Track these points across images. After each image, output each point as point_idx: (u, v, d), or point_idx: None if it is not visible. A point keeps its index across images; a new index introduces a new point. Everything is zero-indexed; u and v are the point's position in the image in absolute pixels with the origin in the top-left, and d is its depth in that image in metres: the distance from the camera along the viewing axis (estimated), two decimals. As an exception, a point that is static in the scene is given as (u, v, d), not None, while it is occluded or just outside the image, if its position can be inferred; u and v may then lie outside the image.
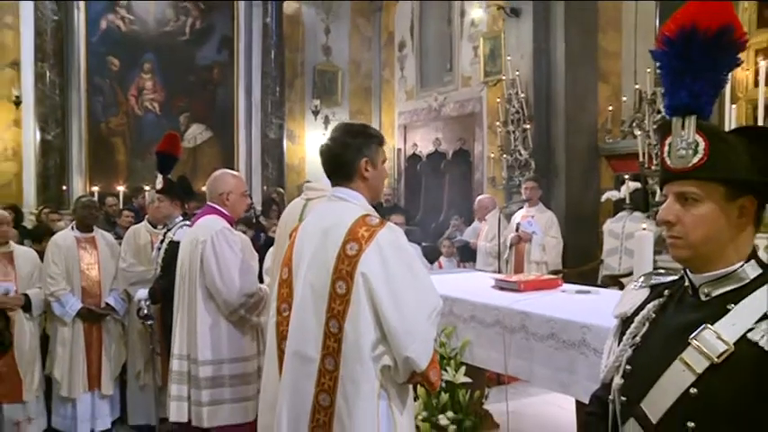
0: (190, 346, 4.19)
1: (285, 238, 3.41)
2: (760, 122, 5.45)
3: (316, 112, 14.75)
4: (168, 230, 5.60)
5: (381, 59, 15.46)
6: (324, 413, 2.58)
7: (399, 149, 14.62)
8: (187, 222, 5.68)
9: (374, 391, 2.55)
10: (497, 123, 10.35)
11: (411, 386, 2.74)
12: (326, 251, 2.63)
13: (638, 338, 1.78)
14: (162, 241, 5.60)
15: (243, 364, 4.20)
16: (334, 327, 2.56)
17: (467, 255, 8.99)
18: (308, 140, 14.82)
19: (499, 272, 7.60)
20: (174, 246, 5.46)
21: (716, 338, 1.58)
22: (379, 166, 2.83)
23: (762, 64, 5.80)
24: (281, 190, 12.64)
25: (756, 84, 5.33)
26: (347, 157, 2.77)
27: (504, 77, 10.52)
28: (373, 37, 15.55)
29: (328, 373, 2.57)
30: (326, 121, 14.84)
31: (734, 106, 5.99)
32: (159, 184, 5.62)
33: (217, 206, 4.34)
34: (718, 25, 1.63)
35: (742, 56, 1.75)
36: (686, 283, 1.75)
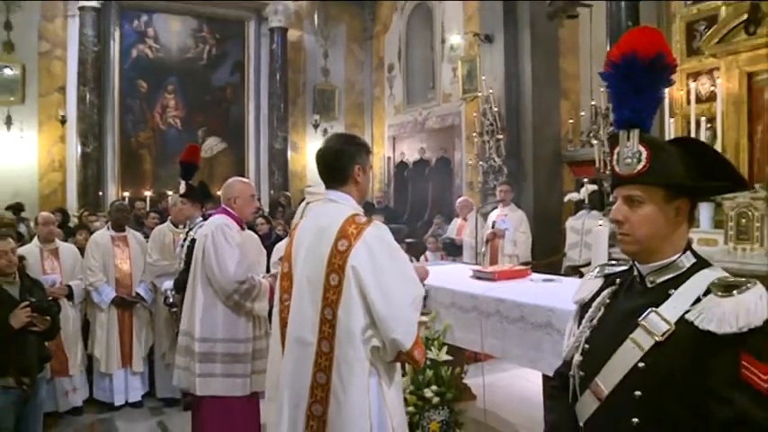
0: (190, 324, 4.17)
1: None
2: (693, 134, 5.51)
3: (316, 126, 14.76)
4: (190, 230, 5.60)
5: (373, 80, 15.47)
6: (321, 390, 2.56)
7: (389, 158, 14.62)
8: (206, 222, 5.70)
9: (365, 369, 2.53)
10: (474, 134, 10.37)
11: (398, 364, 2.72)
12: (321, 247, 2.60)
13: (594, 321, 1.81)
14: (185, 239, 5.61)
15: (235, 345, 4.11)
16: (328, 314, 2.55)
17: (452, 251, 8.95)
18: (310, 150, 14.77)
19: (477, 264, 7.62)
20: (195, 243, 5.49)
21: (660, 320, 1.61)
22: (367, 172, 2.81)
23: (692, 85, 5.88)
24: (288, 194, 12.63)
25: (689, 102, 5.41)
26: (342, 164, 2.74)
27: (479, 95, 10.54)
28: (366, 60, 15.56)
29: (324, 354, 2.56)
30: (325, 133, 14.76)
31: (672, 120, 6.05)
32: (182, 189, 5.61)
33: (227, 208, 4.34)
34: (655, 52, 1.67)
35: (675, 77, 1.79)
36: (635, 273, 1.77)
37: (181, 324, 4.40)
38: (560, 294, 3.74)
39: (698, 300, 1.60)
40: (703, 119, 5.53)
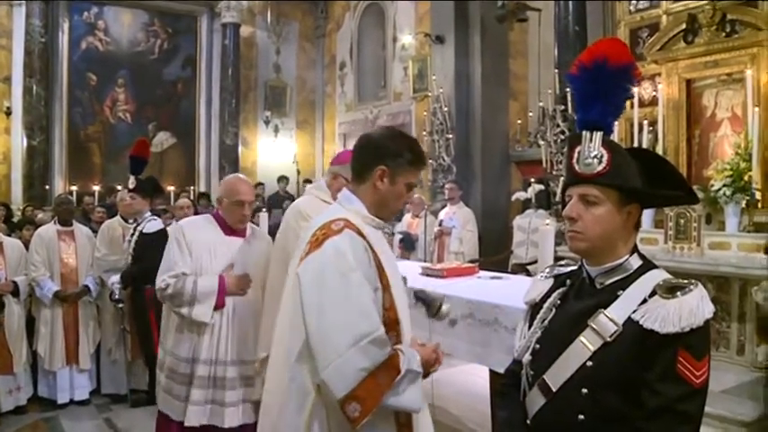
0: None
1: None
2: (635, 136, 5.64)
3: (267, 122, 14.65)
4: (138, 224, 5.50)
5: (324, 77, 15.39)
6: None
7: (340, 155, 14.56)
8: (155, 217, 5.59)
9: (301, 405, 2.06)
10: (424, 133, 10.39)
11: None
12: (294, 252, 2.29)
13: (546, 322, 1.82)
14: (132, 234, 5.50)
15: (176, 361, 3.58)
16: None
17: (409, 245, 8.83)
18: (260, 146, 14.74)
19: (425, 260, 7.63)
20: (143, 237, 5.37)
21: (608, 321, 1.64)
22: (398, 185, 2.23)
23: (635, 90, 6.01)
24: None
25: (632, 106, 5.54)
26: (363, 159, 2.26)
27: (430, 94, 10.58)
28: (317, 58, 15.47)
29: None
30: (276, 129, 14.76)
31: (616, 124, 6.17)
32: (132, 183, 5.53)
33: (217, 209, 3.81)
34: (625, 62, 1.71)
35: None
36: (584, 275, 1.79)
37: None
38: (507, 292, 3.76)
39: (644, 301, 1.63)
40: (645, 122, 5.64)
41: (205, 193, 11.99)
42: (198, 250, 3.62)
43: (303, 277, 2.07)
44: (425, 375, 2.15)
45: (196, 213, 6.70)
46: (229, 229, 3.70)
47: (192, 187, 13.09)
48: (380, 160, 2.20)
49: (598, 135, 1.71)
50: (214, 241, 3.67)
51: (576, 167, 1.72)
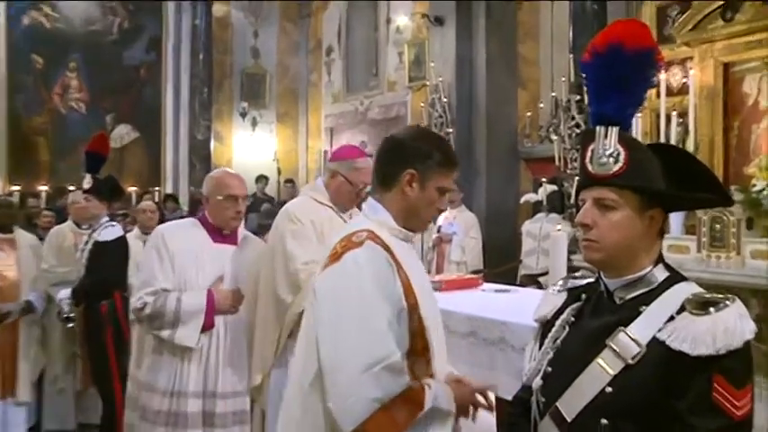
0: None
1: None
2: (662, 129, 5.60)
3: (243, 114, 14.63)
4: (94, 231, 5.45)
5: (309, 63, 15.40)
6: None
7: (326, 151, 14.53)
8: (113, 223, 5.54)
9: None
10: (421, 127, 10.39)
11: None
12: None
13: (558, 342, 1.81)
14: (87, 242, 5.45)
15: (150, 395, 3.44)
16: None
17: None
18: (236, 142, 14.74)
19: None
20: (99, 246, 5.32)
21: (629, 341, 1.62)
22: (428, 190, 2.21)
23: (662, 77, 5.99)
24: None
25: (659, 95, 5.50)
26: (389, 162, 2.26)
27: (427, 83, 10.57)
28: (301, 41, 15.47)
29: None
30: (254, 122, 14.76)
31: (639, 115, 6.16)
32: (87, 183, 5.47)
33: (204, 210, 3.69)
34: (645, 46, 1.70)
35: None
36: (602, 288, 1.78)
37: None
38: (515, 306, 3.77)
39: (671, 318, 1.61)
40: (674, 113, 5.63)
41: (172, 195, 11.97)
42: (182, 261, 3.48)
43: (318, 292, 2.10)
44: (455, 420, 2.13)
45: (162, 218, 6.63)
46: (219, 235, 3.58)
47: (157, 188, 13.09)
48: (408, 163, 2.19)
49: (614, 130, 1.69)
50: (201, 250, 3.54)
51: (590, 168, 1.71)
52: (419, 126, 2.03)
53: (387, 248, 2.11)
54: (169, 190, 13.35)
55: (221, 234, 3.58)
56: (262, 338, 3.48)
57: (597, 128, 1.71)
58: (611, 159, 1.67)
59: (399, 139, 2.30)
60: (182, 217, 9.18)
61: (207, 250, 3.54)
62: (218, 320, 3.46)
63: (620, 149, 1.67)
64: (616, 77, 1.70)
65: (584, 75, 1.84)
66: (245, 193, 3.69)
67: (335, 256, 2.10)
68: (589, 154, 1.71)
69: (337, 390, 1.94)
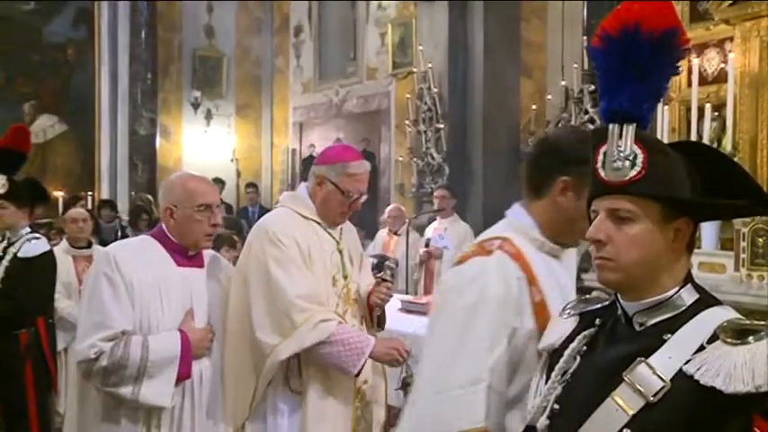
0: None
1: None
2: (693, 125, 5.61)
3: (195, 105, 14.62)
4: (11, 244, 5.40)
5: (274, 45, 15.43)
6: None
7: (294, 150, 14.57)
8: (36, 235, 5.49)
9: None
10: (407, 122, 10.43)
11: None
12: None
13: (567, 375, 1.81)
14: (2, 257, 5.39)
15: None
16: None
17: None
18: (186, 138, 14.69)
19: (407, 293, 7.60)
20: (19, 263, 5.26)
21: (651, 374, 1.61)
22: (585, 201, 2.06)
23: (695, 62, 5.96)
24: (149, 197, 12.31)
25: (690, 84, 5.50)
26: (543, 167, 2.31)
27: (415, 70, 10.63)
28: (265, 19, 15.50)
29: None
30: (208, 115, 14.73)
31: (666, 108, 6.16)
32: (2, 187, 5.42)
33: (162, 224, 3.39)
34: (665, 27, 1.67)
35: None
36: (619, 312, 1.78)
37: None
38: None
39: (701, 348, 1.60)
40: (708, 106, 5.64)
41: (109, 201, 11.88)
42: (142, 293, 3.17)
43: (435, 296, 2.45)
44: None
45: (96, 228, 6.57)
46: (183, 257, 3.34)
47: (89, 193, 12.96)
48: (564, 169, 2.23)
49: (630, 129, 1.69)
50: (164, 277, 3.25)
51: (602, 173, 1.71)
52: (579, 128, 2.18)
53: (520, 259, 2.22)
54: (105, 195, 13.28)
55: (185, 255, 3.35)
56: (233, 388, 3.31)
57: (610, 126, 1.71)
58: (627, 163, 1.67)
59: (555, 141, 2.39)
60: (122, 228, 9.15)
61: (171, 277, 3.27)
62: (195, 367, 3.23)
63: (638, 151, 1.67)
64: (631, 66, 1.69)
65: (593, 63, 1.84)
66: (218, 201, 3.51)
67: (461, 260, 2.29)
68: (601, 157, 1.71)
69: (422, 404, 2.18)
